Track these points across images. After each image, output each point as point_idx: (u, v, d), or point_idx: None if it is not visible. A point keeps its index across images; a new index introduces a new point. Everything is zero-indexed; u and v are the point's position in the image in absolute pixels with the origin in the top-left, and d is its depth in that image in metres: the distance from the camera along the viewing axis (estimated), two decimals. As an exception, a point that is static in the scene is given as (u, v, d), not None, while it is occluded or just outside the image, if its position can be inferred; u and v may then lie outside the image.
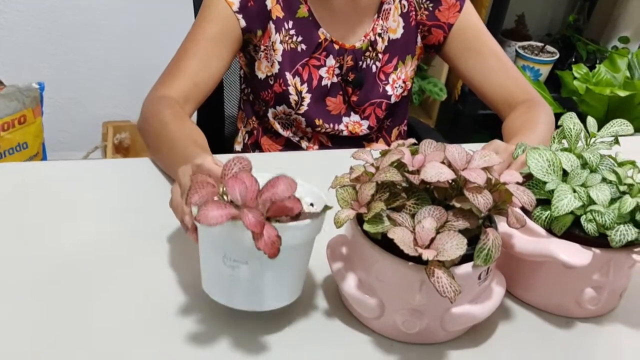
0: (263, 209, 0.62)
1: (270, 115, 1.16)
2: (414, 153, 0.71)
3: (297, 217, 0.65)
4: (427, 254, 0.59)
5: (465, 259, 0.64)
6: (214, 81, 1.04)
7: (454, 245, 0.61)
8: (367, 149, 0.72)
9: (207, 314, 0.70)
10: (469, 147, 1.01)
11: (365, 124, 1.16)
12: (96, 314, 0.69)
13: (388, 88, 1.15)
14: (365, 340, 0.70)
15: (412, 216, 0.65)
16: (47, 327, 0.67)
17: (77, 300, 0.70)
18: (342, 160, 0.79)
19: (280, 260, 0.62)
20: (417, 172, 0.67)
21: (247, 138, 1.23)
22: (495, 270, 0.72)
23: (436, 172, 0.64)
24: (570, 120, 0.78)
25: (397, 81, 1.16)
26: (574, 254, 0.69)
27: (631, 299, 0.79)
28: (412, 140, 0.73)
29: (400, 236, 0.61)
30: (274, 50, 1.08)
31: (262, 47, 1.09)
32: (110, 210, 0.85)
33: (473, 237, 0.66)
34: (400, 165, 0.69)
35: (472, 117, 2.17)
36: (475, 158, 0.67)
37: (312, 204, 0.73)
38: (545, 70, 2.15)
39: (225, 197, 0.64)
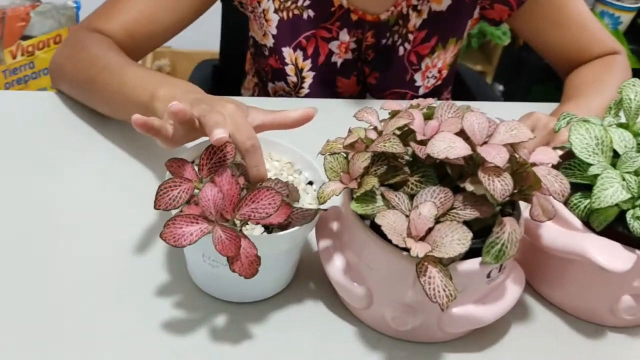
0: (241, 220, 0.52)
1: (270, 90, 0.97)
2: (428, 117, 0.59)
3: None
4: (417, 249, 0.48)
5: (475, 252, 0.53)
6: (159, 38, 0.83)
7: (454, 239, 0.49)
8: (374, 108, 0.60)
9: (184, 293, 0.61)
10: (520, 107, 0.88)
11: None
12: (54, 289, 0.62)
13: (417, 77, 0.93)
14: (350, 332, 0.60)
15: (412, 197, 0.53)
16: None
17: (35, 266, 0.63)
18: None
19: (266, 264, 0.53)
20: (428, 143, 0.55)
21: (255, 91, 1.06)
22: (513, 265, 0.60)
23: (446, 147, 0.52)
24: (633, 88, 0.63)
25: (431, 69, 0.93)
26: (613, 256, 0.57)
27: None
28: (431, 101, 0.61)
29: (390, 222, 0.50)
30: (267, 21, 0.88)
31: (250, 8, 0.90)
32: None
33: (487, 227, 0.54)
34: (408, 132, 0.57)
35: (537, 65, 1.97)
36: (500, 131, 0.54)
37: (310, 182, 0.62)
38: (626, 18, 1.91)
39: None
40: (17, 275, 0.60)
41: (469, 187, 0.53)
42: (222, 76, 1.22)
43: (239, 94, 1.14)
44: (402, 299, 0.55)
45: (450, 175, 0.56)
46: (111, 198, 0.70)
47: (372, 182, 0.52)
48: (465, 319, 0.56)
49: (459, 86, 1.20)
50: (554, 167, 0.56)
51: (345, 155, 0.56)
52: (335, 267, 0.59)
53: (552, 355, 0.61)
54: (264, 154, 0.64)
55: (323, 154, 0.56)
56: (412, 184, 0.54)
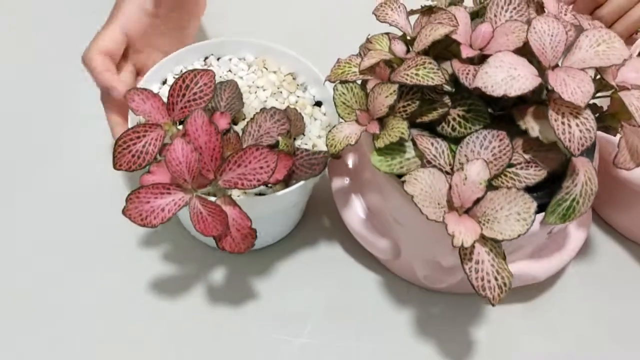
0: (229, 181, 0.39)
1: None
2: (477, 16, 0.43)
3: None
4: (462, 234, 0.36)
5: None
6: None
7: (512, 213, 0.37)
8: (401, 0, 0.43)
9: (174, 241, 0.51)
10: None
11: None
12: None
13: None
14: (373, 281, 0.50)
15: (456, 140, 0.40)
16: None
17: None
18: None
19: (266, 221, 0.43)
20: (477, 60, 0.40)
21: None
22: (579, 201, 0.48)
23: (504, 77, 0.37)
24: None
25: None
26: None
27: None
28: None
29: (424, 188, 0.37)
30: None
31: None
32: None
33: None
34: (449, 43, 0.41)
35: None
36: (582, 45, 0.38)
37: (319, 103, 0.48)
38: None
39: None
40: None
41: (534, 131, 0.38)
42: None
43: None
44: (438, 262, 0.45)
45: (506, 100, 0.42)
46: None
47: (399, 128, 0.38)
48: (516, 278, 0.46)
49: None
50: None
51: (362, 84, 0.41)
52: (353, 214, 0.47)
53: (611, 286, 0.51)
54: (258, 60, 0.50)
55: (332, 82, 0.41)
56: (454, 120, 0.40)
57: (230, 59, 0.49)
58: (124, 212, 0.39)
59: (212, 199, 0.40)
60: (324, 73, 0.48)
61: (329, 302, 0.49)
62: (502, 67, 0.37)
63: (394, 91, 0.39)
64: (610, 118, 0.41)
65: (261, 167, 0.38)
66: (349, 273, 0.51)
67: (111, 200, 0.52)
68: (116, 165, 0.40)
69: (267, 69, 0.49)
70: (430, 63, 0.38)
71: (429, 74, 0.38)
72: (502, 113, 0.41)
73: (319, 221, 0.53)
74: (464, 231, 0.36)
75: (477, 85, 0.37)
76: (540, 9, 0.45)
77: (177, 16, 0.49)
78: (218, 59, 0.49)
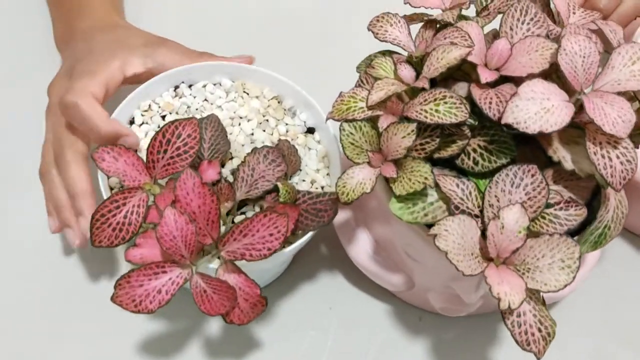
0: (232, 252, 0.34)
1: None
2: (485, 24, 0.38)
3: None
4: (506, 294, 0.32)
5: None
6: None
7: (556, 261, 0.33)
8: (398, 15, 0.38)
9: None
10: None
11: None
12: None
13: None
14: (381, 310, 0.47)
15: (480, 176, 0.36)
16: None
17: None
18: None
19: (265, 271, 0.39)
20: (493, 84, 0.35)
21: None
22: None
23: (537, 110, 0.33)
24: None
25: None
26: None
27: None
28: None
29: (456, 240, 0.33)
30: None
31: None
32: None
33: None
34: (461, 63, 0.37)
35: None
36: (615, 63, 0.34)
37: (311, 129, 0.43)
38: None
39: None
40: None
41: (567, 162, 0.35)
42: None
43: None
44: (458, 296, 0.41)
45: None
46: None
47: (421, 172, 0.34)
48: (537, 302, 0.43)
49: None
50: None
51: (371, 122, 0.36)
52: (361, 250, 0.43)
53: (623, 286, 0.50)
54: (237, 85, 0.43)
55: (336, 120, 0.36)
56: (475, 152, 0.36)
57: (204, 86, 0.42)
58: (112, 299, 0.33)
59: (212, 266, 0.35)
60: (311, 93, 0.43)
61: (335, 341, 0.45)
62: (534, 99, 0.33)
63: (412, 131, 0.34)
64: (636, 134, 0.38)
65: (271, 234, 0.33)
66: (355, 305, 0.47)
67: (88, 252, 0.46)
68: (95, 242, 0.34)
69: (248, 94, 0.43)
70: (451, 97, 0.34)
71: (450, 110, 0.33)
72: (518, 132, 0.38)
73: (317, 250, 0.49)
74: (509, 291, 0.32)
75: (507, 122, 0.33)
76: (546, 7, 0.41)
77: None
78: (190, 87, 0.43)
